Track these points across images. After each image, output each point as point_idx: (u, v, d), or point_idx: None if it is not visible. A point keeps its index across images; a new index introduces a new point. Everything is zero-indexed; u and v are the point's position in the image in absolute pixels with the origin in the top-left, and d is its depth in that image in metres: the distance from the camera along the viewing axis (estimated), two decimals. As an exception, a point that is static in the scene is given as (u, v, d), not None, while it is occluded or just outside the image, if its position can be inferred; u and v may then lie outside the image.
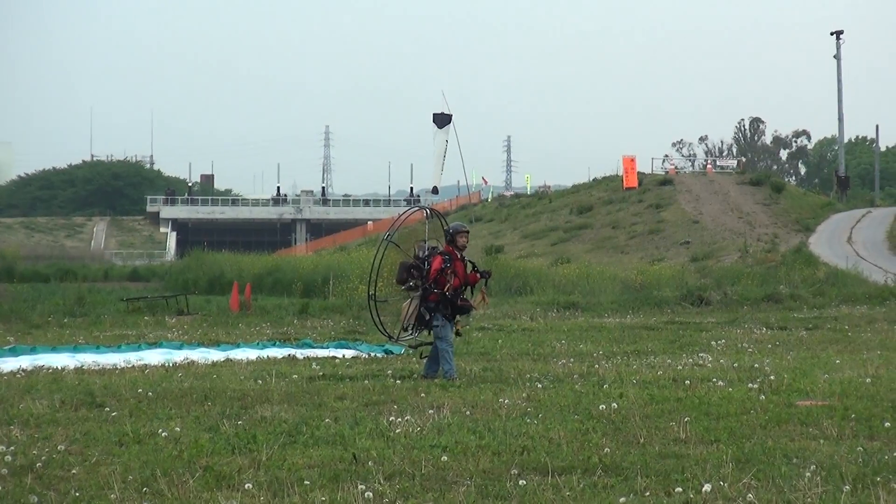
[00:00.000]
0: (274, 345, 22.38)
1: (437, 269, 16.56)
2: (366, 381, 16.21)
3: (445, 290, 16.59)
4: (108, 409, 13.48)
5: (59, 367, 18.15)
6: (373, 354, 20.88)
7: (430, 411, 13.00)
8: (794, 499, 8.58)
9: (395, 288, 17.90)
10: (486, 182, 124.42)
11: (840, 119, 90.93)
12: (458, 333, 17.24)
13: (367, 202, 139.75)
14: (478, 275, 17.03)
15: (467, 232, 17.28)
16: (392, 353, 20.90)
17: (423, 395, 14.60)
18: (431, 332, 16.85)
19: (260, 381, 16.21)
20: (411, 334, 17.27)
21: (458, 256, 16.84)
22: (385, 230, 18.62)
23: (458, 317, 16.99)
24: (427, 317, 16.70)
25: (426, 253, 16.98)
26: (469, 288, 17.22)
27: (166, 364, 18.87)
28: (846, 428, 11.70)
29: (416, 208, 19.64)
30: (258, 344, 22.44)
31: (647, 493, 8.87)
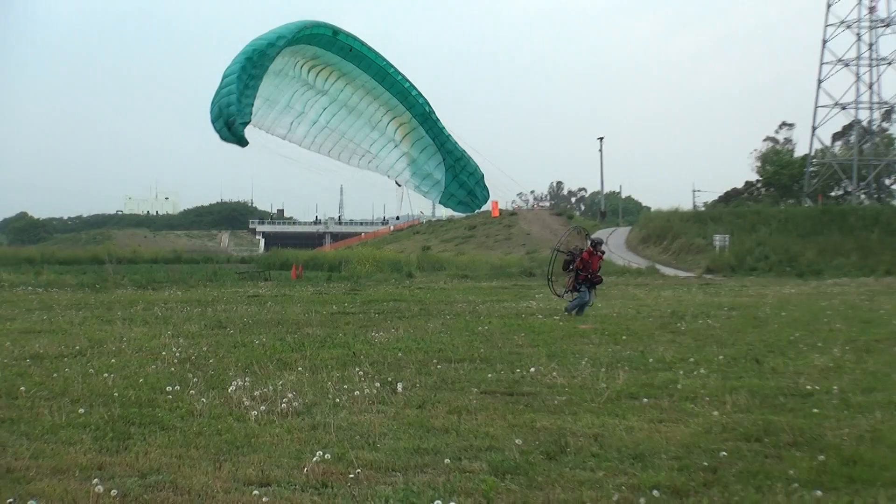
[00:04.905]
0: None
1: (583, 261, 15.91)
2: (360, 315, 16.11)
3: (588, 273, 15.89)
4: (228, 329, 13.31)
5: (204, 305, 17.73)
6: None
7: (393, 330, 12.95)
8: (576, 374, 8.69)
9: (558, 270, 17.05)
10: (422, 213, 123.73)
11: (602, 182, 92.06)
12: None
13: (362, 222, 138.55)
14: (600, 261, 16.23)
15: (602, 242, 16.48)
16: None
17: (389, 322, 14.54)
18: (577, 292, 16.05)
19: (307, 314, 16.07)
20: (567, 292, 16.50)
21: (597, 253, 16.03)
22: (556, 243, 17.78)
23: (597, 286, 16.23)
24: (577, 288, 15.99)
25: (575, 249, 16.47)
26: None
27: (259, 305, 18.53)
28: (604, 339, 11.84)
29: (574, 228, 17.97)
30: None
31: (502, 371, 8.93)
